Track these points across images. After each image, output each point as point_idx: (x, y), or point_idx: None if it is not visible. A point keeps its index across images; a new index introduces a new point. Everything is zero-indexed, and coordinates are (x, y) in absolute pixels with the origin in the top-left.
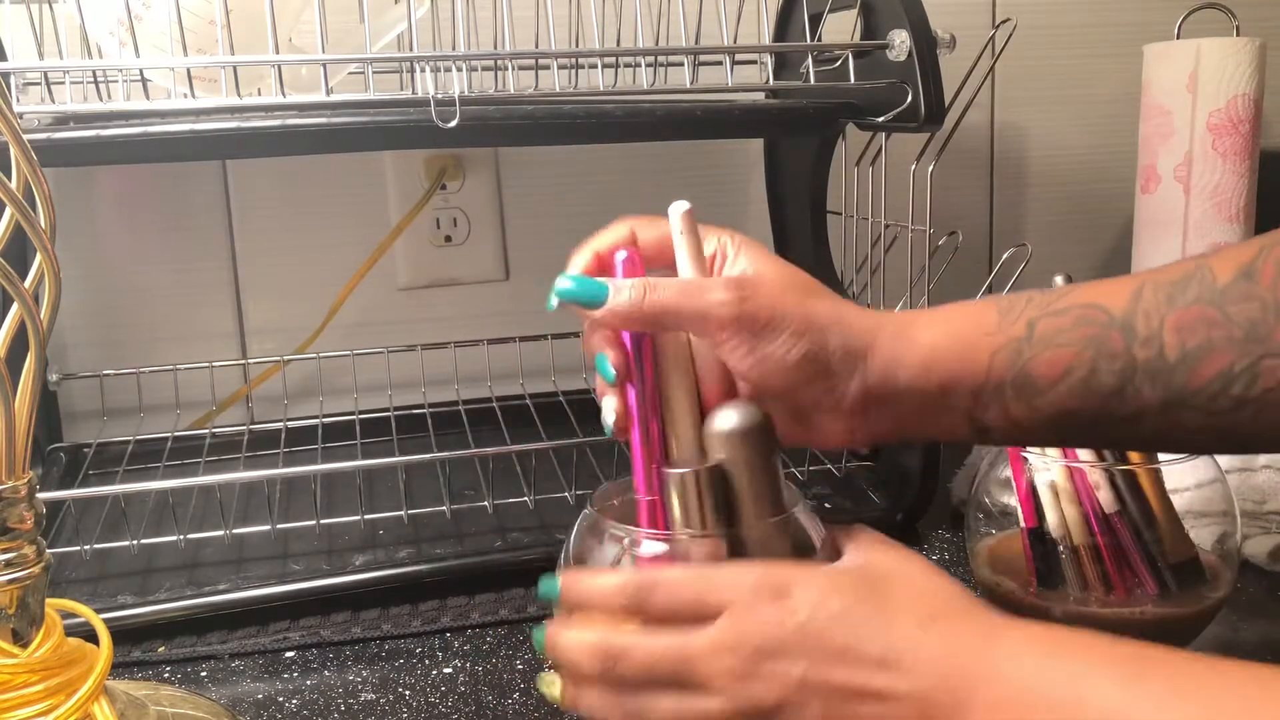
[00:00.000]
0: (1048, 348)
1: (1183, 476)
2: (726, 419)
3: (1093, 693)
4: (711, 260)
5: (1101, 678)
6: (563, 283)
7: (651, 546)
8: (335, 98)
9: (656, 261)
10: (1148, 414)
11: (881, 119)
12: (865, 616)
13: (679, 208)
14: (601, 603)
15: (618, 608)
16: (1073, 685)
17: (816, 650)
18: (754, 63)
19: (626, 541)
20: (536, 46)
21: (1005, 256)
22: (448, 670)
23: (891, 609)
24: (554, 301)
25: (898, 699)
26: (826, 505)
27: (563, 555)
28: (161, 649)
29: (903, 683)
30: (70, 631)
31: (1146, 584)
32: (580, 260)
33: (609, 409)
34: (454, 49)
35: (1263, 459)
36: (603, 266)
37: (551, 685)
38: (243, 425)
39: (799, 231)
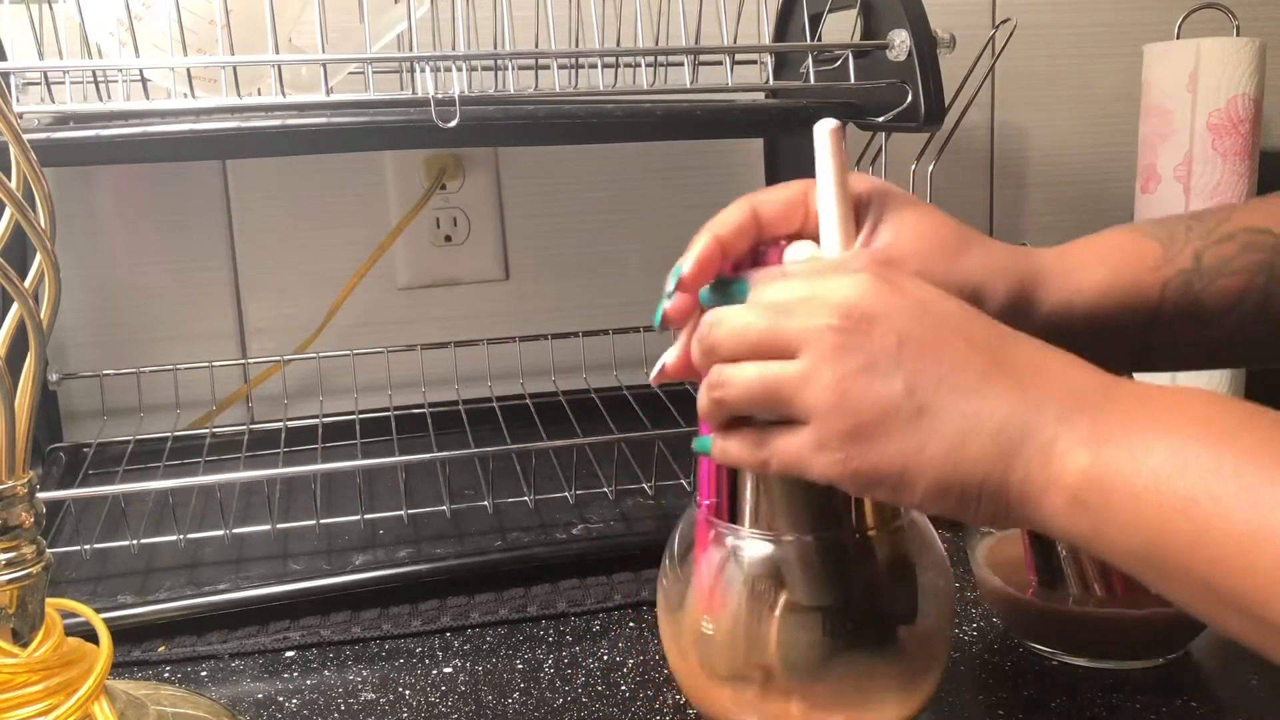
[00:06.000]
0: (1219, 276)
1: None
2: None
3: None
4: (855, 202)
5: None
6: (690, 295)
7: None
8: (335, 98)
9: (782, 228)
10: None
11: (881, 119)
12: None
13: (825, 124)
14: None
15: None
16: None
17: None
18: (754, 63)
19: (729, 540)
20: (536, 46)
21: None
22: (448, 670)
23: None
24: (665, 306)
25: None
26: None
27: (667, 550)
28: (161, 649)
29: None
30: (70, 631)
31: None
32: (700, 245)
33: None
34: (454, 49)
35: None
36: (723, 250)
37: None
38: (243, 425)
39: None
